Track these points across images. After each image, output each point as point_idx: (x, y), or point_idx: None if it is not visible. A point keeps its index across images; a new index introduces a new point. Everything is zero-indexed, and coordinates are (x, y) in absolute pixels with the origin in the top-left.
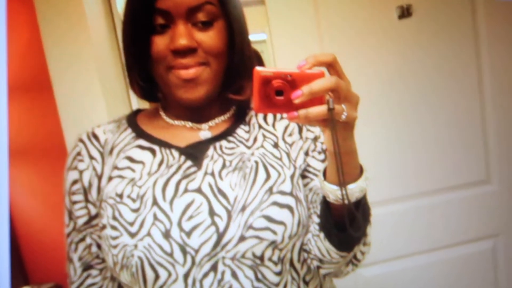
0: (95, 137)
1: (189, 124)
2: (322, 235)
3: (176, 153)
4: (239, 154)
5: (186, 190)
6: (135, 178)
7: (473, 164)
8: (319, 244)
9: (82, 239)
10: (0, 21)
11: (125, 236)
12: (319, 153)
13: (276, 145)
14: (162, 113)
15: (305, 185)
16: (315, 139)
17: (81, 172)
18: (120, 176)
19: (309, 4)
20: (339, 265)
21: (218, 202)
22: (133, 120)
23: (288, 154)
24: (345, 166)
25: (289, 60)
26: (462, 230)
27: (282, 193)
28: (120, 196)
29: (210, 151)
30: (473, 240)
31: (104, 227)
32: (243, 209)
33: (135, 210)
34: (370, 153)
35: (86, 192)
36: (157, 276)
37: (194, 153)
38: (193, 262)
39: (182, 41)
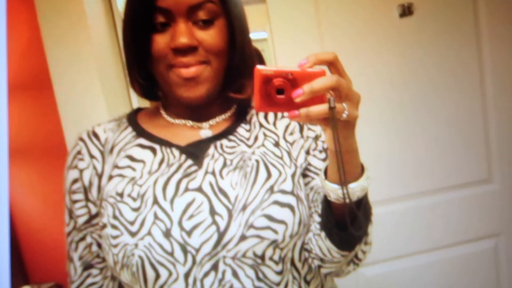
0: (96, 136)
1: (189, 123)
2: (323, 234)
3: (176, 152)
4: (240, 153)
5: (186, 189)
6: (136, 177)
7: (475, 163)
8: (320, 243)
9: (83, 238)
10: (0, 19)
11: (125, 235)
12: (320, 152)
13: (277, 144)
14: (162, 112)
15: (306, 184)
16: (316, 138)
17: (81, 171)
18: (120, 175)
19: (309, 3)
20: (340, 265)
21: (219, 201)
22: (133, 118)
23: (289, 153)
24: (346, 165)
25: (290, 58)
26: (463, 229)
27: (283, 192)
28: (121, 195)
29: (211, 150)
30: (474, 239)
31: (104, 226)
32: (244, 208)
33: (136, 209)
34: (371, 152)
35: (86, 191)
36: (157, 276)
37: (195, 152)
38: (194, 262)
39: (183, 40)
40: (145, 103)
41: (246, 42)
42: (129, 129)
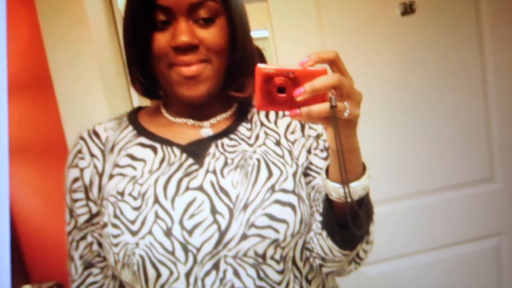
0: (96, 134)
1: (190, 121)
2: (324, 233)
3: (177, 151)
4: (241, 152)
5: (187, 188)
6: (137, 176)
7: (477, 162)
8: (321, 243)
9: (83, 237)
10: (0, 18)
11: (126, 234)
12: (322, 151)
13: (278, 143)
14: (163, 111)
15: (307, 183)
16: (318, 136)
17: (82, 170)
18: (121, 174)
19: (311, 1)
20: (342, 264)
21: (220, 200)
22: (134, 117)
23: (290, 152)
24: (347, 164)
25: (291, 57)
26: (465, 228)
27: (284, 191)
28: (121, 194)
29: (212, 149)
30: (476, 238)
31: (105, 225)
32: (245, 207)
33: (137, 208)
34: (372, 151)
35: (87, 190)
36: (158, 275)
37: (196, 151)
38: (195, 261)
39: (184, 38)
40: (146, 102)
41: (247, 41)
42: (130, 128)
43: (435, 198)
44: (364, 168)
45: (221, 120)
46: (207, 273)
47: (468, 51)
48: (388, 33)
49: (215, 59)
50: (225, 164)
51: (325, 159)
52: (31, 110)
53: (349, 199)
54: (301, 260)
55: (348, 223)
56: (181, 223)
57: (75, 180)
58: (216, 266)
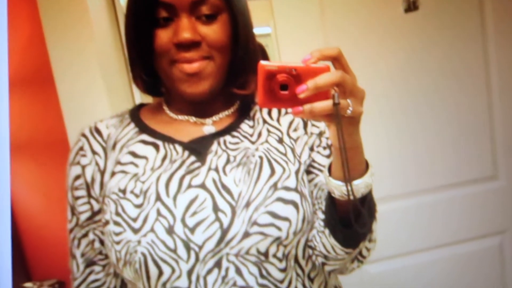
0: (98, 132)
1: (192, 119)
2: (327, 231)
3: (179, 148)
4: (243, 149)
5: (189, 186)
6: (138, 173)
7: (480, 160)
8: (324, 241)
9: (85, 235)
10: (1, 16)
11: (128, 232)
12: (324, 148)
13: (280, 140)
14: (165, 108)
15: (310, 181)
16: (320, 134)
17: (83, 167)
18: (123, 171)
19: None
20: (344, 262)
21: (222, 197)
22: (136, 114)
23: (293, 150)
24: (350, 161)
25: (294, 54)
26: (469, 226)
27: (287, 189)
28: (123, 191)
29: (214, 146)
30: (480, 236)
31: (107, 222)
32: (248, 205)
33: (138, 206)
34: (374, 149)
35: (89, 187)
36: (160, 272)
37: (198, 148)
38: (197, 258)
39: (186, 35)
40: (148, 99)
41: (249, 37)
42: (132, 125)
43: (439, 196)
44: (367, 166)
45: (223, 117)
46: (209, 271)
47: (471, 48)
48: (391, 29)
49: (218, 56)
50: (227, 161)
51: (328, 156)
52: (32, 107)
53: (351, 197)
54: (303, 258)
55: (351, 221)
56: (183, 220)
57: (77, 177)
58: (218, 264)
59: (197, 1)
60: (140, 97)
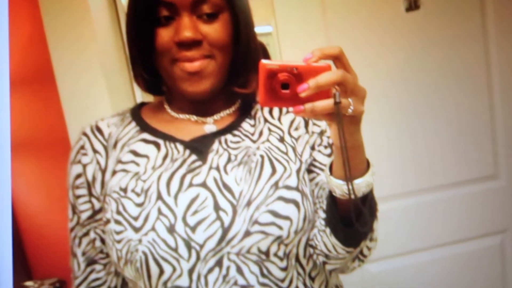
0: (99, 130)
1: (193, 117)
2: (328, 230)
3: (180, 147)
4: (244, 148)
5: (191, 185)
6: (140, 172)
7: (481, 159)
8: (325, 240)
9: (86, 234)
10: (2, 15)
11: (129, 230)
12: (325, 147)
13: (282, 139)
14: (166, 107)
15: (311, 180)
16: (322, 133)
17: (84, 166)
18: (124, 170)
19: None
20: (345, 261)
21: (223, 196)
22: (137, 113)
23: (294, 149)
24: (351, 160)
25: (295, 53)
26: (470, 226)
27: (288, 187)
28: (124, 190)
29: (215, 145)
30: (481, 236)
31: (108, 221)
32: (249, 203)
33: (140, 205)
34: (375, 148)
35: (89, 186)
36: (161, 271)
37: (199, 147)
38: (198, 257)
39: (187, 33)
40: (149, 98)
41: (250, 36)
42: (133, 123)
43: (439, 196)
44: (368, 165)
45: (224, 116)
46: (210, 270)
47: (472, 48)
48: (392, 28)
49: (219, 54)
50: (229, 160)
51: (329, 155)
52: (33, 106)
53: (352, 196)
54: (304, 257)
55: (352, 220)
56: (184, 219)
57: (78, 176)
58: (219, 263)
59: (198, 0)
60: (141, 96)
